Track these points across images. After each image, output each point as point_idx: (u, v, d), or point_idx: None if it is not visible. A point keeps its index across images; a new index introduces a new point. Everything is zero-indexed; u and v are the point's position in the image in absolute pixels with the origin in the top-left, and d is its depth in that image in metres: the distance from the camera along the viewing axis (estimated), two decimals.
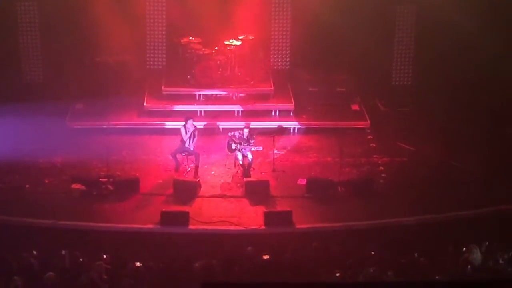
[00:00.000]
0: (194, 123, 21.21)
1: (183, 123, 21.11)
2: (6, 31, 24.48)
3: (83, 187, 20.09)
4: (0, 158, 20.93)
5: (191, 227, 18.99)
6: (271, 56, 25.97)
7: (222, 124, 23.31)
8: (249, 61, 25.09)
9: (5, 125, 22.10)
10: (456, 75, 24.52)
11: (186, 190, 20.22)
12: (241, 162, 20.82)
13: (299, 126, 23.68)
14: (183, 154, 21.12)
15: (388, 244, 17.39)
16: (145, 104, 24.00)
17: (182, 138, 20.98)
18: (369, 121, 23.88)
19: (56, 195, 20.03)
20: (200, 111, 23.83)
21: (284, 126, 23.30)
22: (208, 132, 22.96)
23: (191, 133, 20.92)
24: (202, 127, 22.62)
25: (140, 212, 19.53)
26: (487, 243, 16.80)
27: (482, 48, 23.85)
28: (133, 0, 24.94)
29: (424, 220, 19.30)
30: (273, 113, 24.11)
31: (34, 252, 16.37)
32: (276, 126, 22.98)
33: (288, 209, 19.36)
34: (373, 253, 16.34)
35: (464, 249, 16.57)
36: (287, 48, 25.84)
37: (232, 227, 19.02)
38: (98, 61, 25.21)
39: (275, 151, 21.63)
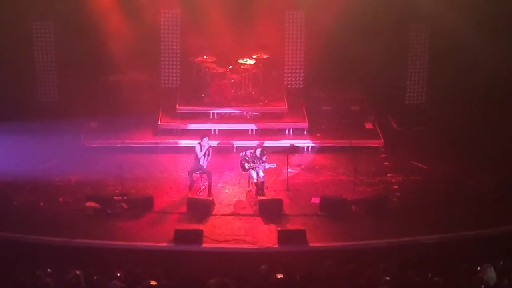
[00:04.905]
0: (209, 141, 21.27)
1: (198, 141, 21.16)
2: (22, 50, 24.64)
3: (97, 205, 20.15)
4: (15, 176, 21.05)
5: (205, 245, 19.00)
6: (285, 75, 26.03)
7: (236, 143, 23.36)
8: (263, 80, 25.18)
9: (20, 143, 22.25)
10: (470, 94, 24.51)
11: (200, 209, 20.25)
12: (255, 181, 20.84)
13: (313, 144, 23.71)
14: (197, 172, 21.17)
15: (402, 263, 17.31)
16: (159, 122, 24.10)
17: (196, 155, 21.01)
18: (382, 140, 23.89)
19: (70, 213, 20.09)
20: (214, 130, 23.90)
21: (296, 145, 23.31)
22: (222, 150, 23.00)
23: (206, 151, 20.97)
24: (216, 145, 22.68)
25: (154, 230, 19.55)
26: (502, 262, 16.71)
27: (496, 66, 23.83)
28: (147, 19, 25.05)
29: (438, 239, 19.24)
30: (287, 131, 24.16)
31: (48, 270, 16.40)
32: (287, 145, 23.01)
33: (302, 228, 19.36)
34: (387, 278, 16.23)
35: (478, 268, 16.49)
36: (301, 67, 25.89)
37: (245, 246, 19.02)
38: (113, 80, 25.37)
39: (289, 170, 21.65)
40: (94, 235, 19.19)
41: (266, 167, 20.83)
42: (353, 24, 24.46)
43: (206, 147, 21.01)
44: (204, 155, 20.99)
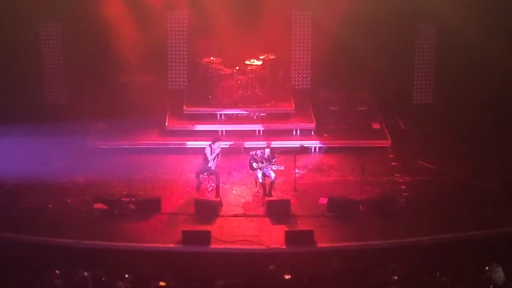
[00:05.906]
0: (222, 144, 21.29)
1: (208, 142, 21.17)
2: (30, 52, 24.73)
3: (105, 207, 20.18)
4: (23, 178, 21.10)
5: (212, 246, 19.00)
6: (292, 76, 26.07)
7: (244, 144, 23.36)
8: (270, 80, 25.17)
9: (28, 145, 22.31)
10: (478, 93, 24.48)
11: (208, 210, 20.25)
12: (261, 181, 20.84)
13: (320, 145, 23.70)
14: (204, 173, 21.17)
15: (410, 263, 17.31)
16: (166, 124, 24.12)
17: (205, 157, 20.99)
18: (390, 140, 23.86)
19: (78, 215, 20.12)
20: (222, 131, 23.91)
21: (305, 145, 23.33)
22: (229, 151, 23.01)
23: (216, 154, 20.97)
24: (227, 146, 22.68)
25: (162, 232, 19.57)
26: None
27: (503, 65, 23.79)
28: (154, 21, 25.08)
29: (446, 239, 19.21)
30: (294, 132, 24.15)
31: (57, 271, 16.43)
32: (297, 146, 23.03)
33: (309, 228, 19.35)
34: (395, 278, 16.22)
35: (486, 268, 16.46)
36: (308, 67, 25.92)
37: (253, 246, 19.01)
38: (120, 82, 25.42)
39: (296, 170, 21.65)
40: (102, 236, 19.21)
41: (274, 169, 20.82)
42: (360, 24, 24.46)
43: (217, 152, 21.00)
44: (214, 157, 20.98)
